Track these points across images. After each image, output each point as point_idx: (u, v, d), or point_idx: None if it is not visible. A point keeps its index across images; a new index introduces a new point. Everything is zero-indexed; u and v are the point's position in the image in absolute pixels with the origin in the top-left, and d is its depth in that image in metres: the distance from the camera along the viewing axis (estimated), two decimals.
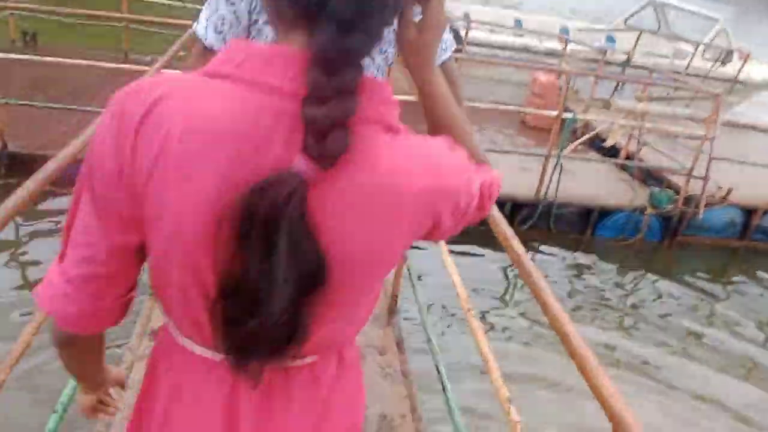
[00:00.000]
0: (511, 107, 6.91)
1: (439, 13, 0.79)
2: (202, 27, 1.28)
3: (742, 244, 6.10)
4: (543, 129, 7.35)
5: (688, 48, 10.00)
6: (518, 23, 9.75)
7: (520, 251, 1.33)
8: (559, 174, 5.06)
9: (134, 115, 0.64)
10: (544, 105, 7.33)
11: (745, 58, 9.45)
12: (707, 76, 9.20)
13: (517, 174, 5.41)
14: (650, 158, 5.97)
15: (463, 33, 7.73)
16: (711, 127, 5.23)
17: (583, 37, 10.55)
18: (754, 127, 5.57)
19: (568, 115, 4.78)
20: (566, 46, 7.99)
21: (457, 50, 7.76)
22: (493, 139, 6.66)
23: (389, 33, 0.76)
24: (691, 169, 5.39)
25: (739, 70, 9.33)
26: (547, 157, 4.97)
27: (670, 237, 5.74)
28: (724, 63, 9.38)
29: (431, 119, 0.85)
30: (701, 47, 9.31)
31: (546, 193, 5.13)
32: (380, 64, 1.40)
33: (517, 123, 7.61)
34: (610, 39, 10.46)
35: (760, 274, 5.91)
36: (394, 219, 0.68)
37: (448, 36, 1.42)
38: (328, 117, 0.61)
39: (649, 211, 5.39)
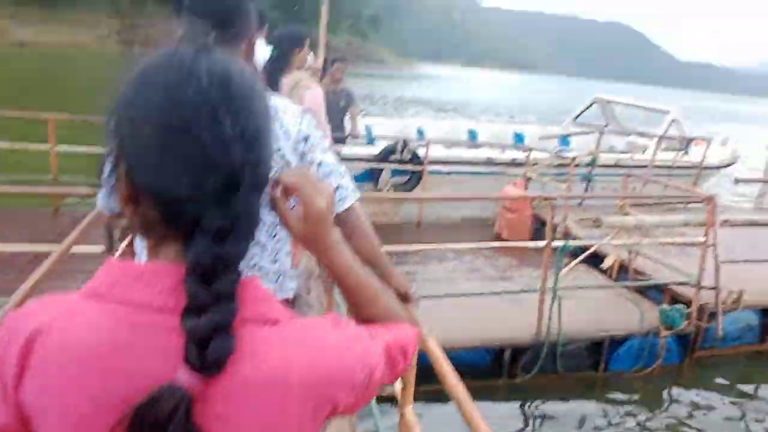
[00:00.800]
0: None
1: (315, 207, 0.80)
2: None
3: (763, 347, 5.53)
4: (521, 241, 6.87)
5: (641, 141, 9.94)
6: (472, 134, 9.53)
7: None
8: (559, 307, 4.42)
9: (14, 344, 0.65)
10: (518, 218, 6.87)
11: (708, 144, 9.34)
12: (673, 167, 9.00)
13: (510, 312, 4.74)
14: (648, 269, 5.43)
15: (422, 152, 7.31)
16: (710, 232, 4.75)
17: (540, 142, 10.46)
18: (753, 224, 5.12)
19: (558, 244, 4.22)
20: (529, 154, 7.65)
21: (418, 172, 7.32)
22: (473, 264, 6.05)
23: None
24: (700, 280, 4.85)
25: (704, 157, 9.17)
26: (543, 292, 4.34)
27: (689, 356, 5.09)
28: (686, 152, 9.22)
29: (339, 287, 0.87)
30: (656, 139, 9.18)
31: (548, 330, 4.45)
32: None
33: (490, 237, 7.10)
34: (565, 141, 10.36)
35: None
36: (284, 412, 0.67)
37: (347, 184, 1.46)
38: (209, 325, 0.62)
39: (665, 333, 4.75)
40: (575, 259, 4.77)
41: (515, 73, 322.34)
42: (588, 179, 7.99)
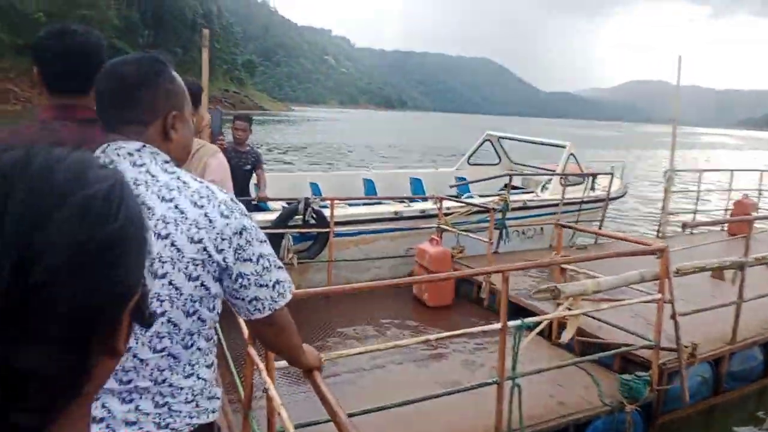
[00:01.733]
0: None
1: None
2: None
3: (717, 400, 5.14)
4: (442, 308, 6.17)
5: (535, 177, 9.77)
6: (369, 185, 8.82)
7: None
8: (519, 397, 3.68)
9: None
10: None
11: (612, 177, 9.26)
12: (584, 201, 8.79)
13: (468, 406, 3.94)
14: (594, 329, 4.88)
15: (326, 212, 6.47)
16: (665, 285, 4.26)
17: (438, 187, 9.98)
18: (702, 269, 4.71)
19: (515, 323, 3.50)
20: (441, 203, 7.02)
21: (323, 234, 6.46)
22: (398, 338, 5.22)
23: None
24: (658, 340, 4.33)
25: (609, 190, 9.05)
26: (500, 384, 3.58)
27: (651, 425, 4.54)
28: (593, 187, 9.05)
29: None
30: (556, 175, 8.97)
31: (509, 426, 3.69)
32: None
33: (409, 302, 6.36)
34: (464, 188, 9.94)
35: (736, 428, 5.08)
36: None
37: (284, 277, 1.42)
38: None
39: (629, 408, 4.15)
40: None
41: (388, 110, 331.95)
42: (503, 226, 7.48)
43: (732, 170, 11.36)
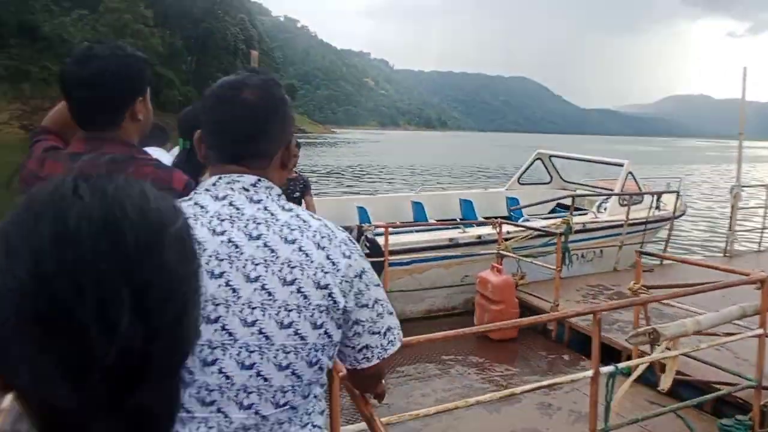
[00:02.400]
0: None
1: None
2: None
3: None
4: (506, 341, 5.76)
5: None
6: (418, 208, 8.46)
7: None
8: None
9: None
10: (505, 309, 5.77)
11: (677, 195, 8.73)
12: (649, 222, 8.27)
13: None
14: (689, 369, 4.41)
15: (381, 241, 6.17)
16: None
17: (487, 205, 9.58)
18: None
19: (607, 370, 3.09)
20: (500, 228, 6.64)
21: (377, 264, 6.15)
22: (465, 380, 4.85)
23: None
24: (760, 378, 3.85)
25: (675, 208, 8.52)
26: None
27: None
28: (658, 206, 8.52)
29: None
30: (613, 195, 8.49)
31: None
32: None
33: (470, 335, 5.97)
34: (514, 203, 9.50)
35: None
36: None
37: (395, 323, 1.32)
38: None
39: None
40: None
41: (429, 131, 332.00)
42: (566, 250, 7.03)
43: None
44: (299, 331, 1.17)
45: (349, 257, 1.24)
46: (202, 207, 1.18)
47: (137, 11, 69.47)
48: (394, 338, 1.33)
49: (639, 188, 8.91)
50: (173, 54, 78.24)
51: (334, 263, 1.21)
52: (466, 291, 7.04)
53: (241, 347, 1.13)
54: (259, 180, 1.24)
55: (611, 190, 9.25)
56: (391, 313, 1.33)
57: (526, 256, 6.71)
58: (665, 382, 3.44)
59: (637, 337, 3.28)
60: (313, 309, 1.18)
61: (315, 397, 1.27)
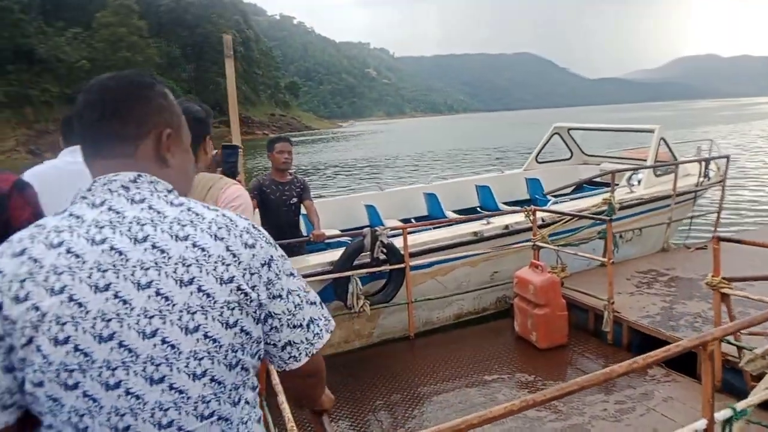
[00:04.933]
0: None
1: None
2: None
3: None
4: (555, 348, 4.92)
5: (610, 166, 8.33)
6: (432, 199, 7.58)
7: None
8: None
9: None
10: (551, 313, 4.92)
11: (727, 160, 7.79)
12: (697, 192, 7.36)
13: None
14: None
15: (400, 245, 5.36)
16: None
17: (506, 189, 8.71)
18: None
19: (725, 415, 2.22)
20: (534, 216, 5.76)
21: (398, 270, 5.35)
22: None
23: None
24: None
25: (725, 175, 7.59)
26: None
27: None
28: (707, 175, 7.59)
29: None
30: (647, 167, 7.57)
31: None
32: None
33: (512, 344, 5.14)
34: (536, 185, 8.58)
35: None
36: None
37: (319, 314, 1.24)
38: None
39: None
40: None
41: (436, 116, 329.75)
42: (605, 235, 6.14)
43: None
44: (209, 334, 1.07)
45: (252, 246, 1.14)
46: (78, 217, 1.09)
47: (131, 23, 69.04)
48: (320, 330, 1.25)
49: (673, 155, 7.98)
50: (171, 63, 77.81)
51: (235, 255, 1.11)
52: (496, 289, 6.23)
53: (145, 362, 1.03)
54: (140, 175, 1.14)
55: (641, 160, 8.33)
56: (312, 304, 1.24)
57: (565, 245, 5.85)
58: None
59: (756, 360, 2.43)
60: (221, 307, 1.08)
61: (248, 403, 1.17)
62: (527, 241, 5.89)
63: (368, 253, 5.17)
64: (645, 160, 8.09)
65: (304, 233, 5.64)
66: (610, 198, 6.34)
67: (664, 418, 3.61)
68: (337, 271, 5.05)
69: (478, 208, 8.12)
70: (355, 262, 5.20)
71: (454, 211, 7.83)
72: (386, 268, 5.32)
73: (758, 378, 3.30)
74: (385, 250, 5.19)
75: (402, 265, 5.31)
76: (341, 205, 7.70)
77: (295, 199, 5.05)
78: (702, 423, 2.20)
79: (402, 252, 5.32)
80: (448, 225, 6.20)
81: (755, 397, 2.38)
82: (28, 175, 2.53)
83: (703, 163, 7.60)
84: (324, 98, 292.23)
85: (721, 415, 2.25)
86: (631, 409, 3.77)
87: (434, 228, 6.14)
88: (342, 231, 6.74)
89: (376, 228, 5.28)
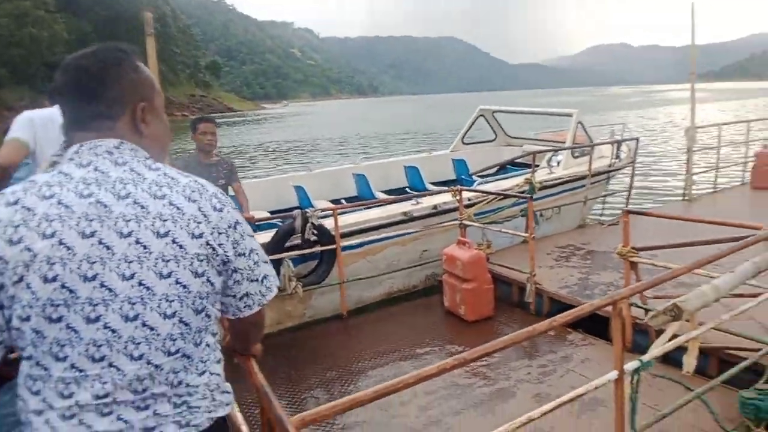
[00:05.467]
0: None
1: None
2: None
3: None
4: (483, 320, 5.16)
5: (534, 148, 8.73)
6: (361, 180, 7.68)
7: None
8: None
9: None
10: (478, 287, 5.15)
11: (636, 142, 8.29)
12: (610, 172, 7.80)
13: None
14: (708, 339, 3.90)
15: (331, 226, 5.44)
16: None
17: (433, 170, 8.92)
18: None
19: (632, 366, 2.47)
20: (460, 195, 5.98)
21: (329, 252, 5.43)
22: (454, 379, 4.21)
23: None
24: None
25: (634, 157, 8.07)
26: None
27: None
28: (619, 156, 8.06)
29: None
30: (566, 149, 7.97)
31: None
32: None
33: (442, 318, 5.35)
34: (462, 166, 8.84)
35: None
36: None
37: (271, 271, 1.43)
38: None
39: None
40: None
41: (361, 98, 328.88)
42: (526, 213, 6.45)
43: (749, 121, 10.50)
44: (180, 280, 1.22)
45: (220, 210, 1.30)
46: (66, 175, 1.22)
47: None
48: (271, 285, 1.43)
49: (589, 138, 8.44)
50: (82, 40, 73.59)
51: (205, 215, 1.27)
52: (425, 267, 6.43)
53: (123, 301, 1.18)
54: (122, 143, 1.28)
55: (560, 142, 8.75)
56: (266, 262, 1.42)
57: (490, 223, 6.10)
58: (689, 364, 2.88)
59: (658, 316, 2.69)
60: (192, 258, 1.23)
61: (208, 345, 1.32)
62: (454, 220, 6.11)
63: (299, 235, 5.22)
64: (563, 143, 8.51)
65: None
66: (531, 178, 6.64)
67: (581, 377, 3.90)
68: (268, 255, 5.09)
69: (407, 189, 8.29)
70: (286, 245, 5.24)
71: (383, 192, 7.96)
72: (317, 249, 5.39)
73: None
74: (316, 232, 5.26)
75: (333, 246, 5.40)
76: (270, 186, 7.67)
77: (222, 181, 5.00)
78: (613, 374, 2.44)
79: (333, 233, 5.41)
80: (379, 206, 6.32)
81: (658, 349, 2.64)
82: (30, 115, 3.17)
83: (616, 145, 8.07)
84: (246, 79, 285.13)
85: (629, 366, 2.49)
86: (552, 371, 4.04)
87: (365, 209, 6.25)
88: (271, 213, 6.74)
89: (307, 210, 5.34)
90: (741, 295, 3.59)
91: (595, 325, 4.52)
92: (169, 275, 1.21)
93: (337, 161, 20.83)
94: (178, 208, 1.24)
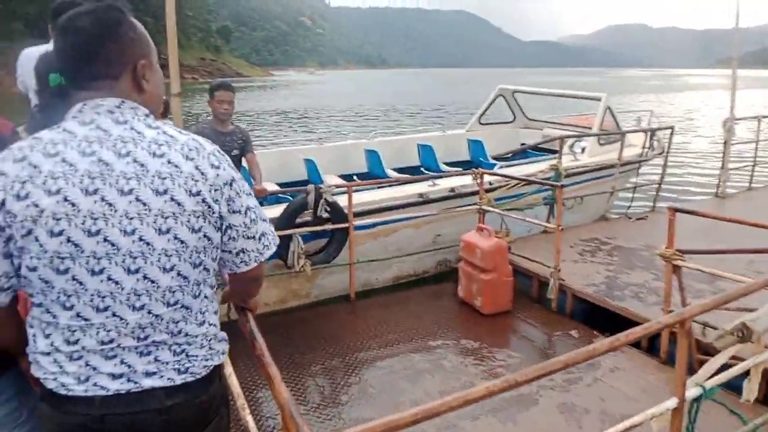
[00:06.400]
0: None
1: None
2: None
3: None
4: (499, 315, 4.84)
5: (555, 133, 8.31)
6: (373, 157, 7.29)
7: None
8: None
9: None
10: (497, 279, 4.83)
11: (671, 131, 7.86)
12: (641, 162, 7.39)
13: None
14: None
15: (343, 203, 5.11)
16: None
17: (447, 149, 8.53)
18: None
19: (694, 394, 2.15)
20: (481, 179, 5.61)
21: (341, 230, 5.11)
22: (460, 372, 3.90)
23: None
24: None
25: (668, 148, 7.66)
26: None
27: None
28: (652, 146, 7.65)
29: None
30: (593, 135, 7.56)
31: None
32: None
33: (456, 309, 5.03)
34: (478, 147, 8.42)
35: None
36: None
37: (269, 230, 1.47)
38: None
39: None
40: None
41: (370, 69, 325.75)
42: (554, 200, 6.10)
43: None
44: (178, 236, 1.28)
45: (218, 167, 1.35)
46: (70, 132, 1.26)
47: None
48: (269, 242, 1.47)
49: (617, 125, 8.02)
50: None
51: (203, 173, 1.32)
52: (438, 252, 6.10)
53: (125, 255, 1.24)
54: (123, 102, 1.32)
55: (584, 127, 8.34)
56: (264, 221, 1.46)
57: (511, 209, 5.76)
58: (750, 391, 2.57)
59: (725, 337, 2.36)
60: (189, 215, 1.29)
61: (206, 297, 1.40)
62: (472, 204, 5.76)
63: (311, 211, 4.89)
64: (586, 128, 8.09)
65: None
66: (558, 164, 6.27)
67: (611, 389, 3.60)
68: (278, 229, 4.76)
69: (420, 168, 7.93)
70: (297, 220, 4.92)
71: (395, 170, 7.61)
72: (329, 227, 5.06)
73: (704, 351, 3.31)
74: (329, 209, 4.93)
75: (345, 225, 5.07)
76: (280, 158, 7.32)
77: (236, 152, 4.66)
78: (673, 402, 2.12)
79: (346, 211, 5.08)
80: (393, 185, 5.98)
81: (722, 374, 2.32)
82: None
83: (649, 134, 7.66)
84: (256, 45, 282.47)
85: (690, 394, 2.17)
86: (578, 379, 3.73)
87: (378, 187, 5.91)
88: (280, 185, 6.41)
89: (320, 186, 5.00)
90: None
91: (620, 328, 4.20)
92: (167, 231, 1.27)
93: (347, 134, 20.38)
94: (176, 167, 1.28)
